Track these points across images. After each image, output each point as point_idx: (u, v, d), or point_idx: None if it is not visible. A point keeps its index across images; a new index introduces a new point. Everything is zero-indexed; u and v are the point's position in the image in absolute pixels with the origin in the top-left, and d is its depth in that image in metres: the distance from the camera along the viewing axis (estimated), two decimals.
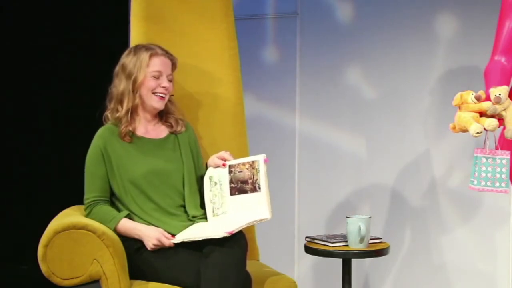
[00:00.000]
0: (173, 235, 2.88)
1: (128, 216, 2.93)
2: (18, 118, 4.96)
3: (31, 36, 4.90)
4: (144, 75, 2.99)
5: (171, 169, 3.02)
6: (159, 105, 3.04)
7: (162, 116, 3.11)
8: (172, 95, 3.10)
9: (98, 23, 4.80)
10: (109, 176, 2.97)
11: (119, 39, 4.34)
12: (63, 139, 4.91)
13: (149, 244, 2.84)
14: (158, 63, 3.01)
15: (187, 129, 3.13)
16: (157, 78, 3.01)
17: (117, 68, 3.05)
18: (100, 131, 3.03)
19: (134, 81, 3.00)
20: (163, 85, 3.01)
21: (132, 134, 3.03)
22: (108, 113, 3.05)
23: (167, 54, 3.05)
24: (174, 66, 3.08)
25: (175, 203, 3.00)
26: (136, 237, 2.88)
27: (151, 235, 2.84)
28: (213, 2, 3.46)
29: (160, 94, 3.01)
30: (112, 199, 3.00)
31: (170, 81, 3.05)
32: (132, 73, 3.00)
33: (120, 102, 3.02)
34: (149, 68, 3.00)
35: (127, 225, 2.90)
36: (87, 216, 2.94)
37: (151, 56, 3.01)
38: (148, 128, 3.08)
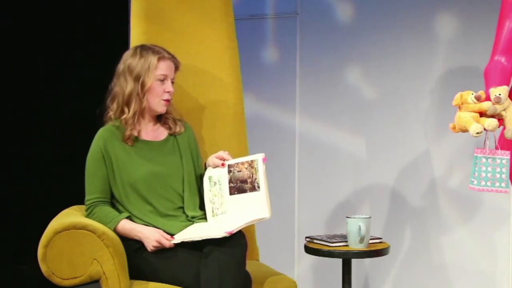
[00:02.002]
0: (173, 235, 2.88)
1: (129, 218, 2.93)
2: (18, 118, 4.96)
3: (30, 37, 4.89)
4: (152, 79, 2.99)
5: (171, 172, 3.02)
6: (163, 109, 3.05)
7: (160, 117, 3.11)
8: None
9: (98, 23, 4.80)
10: (109, 178, 2.97)
11: (119, 39, 4.34)
12: (63, 139, 4.91)
13: (149, 246, 2.84)
14: (165, 67, 3.01)
15: (186, 130, 3.13)
16: (162, 82, 3.01)
17: (122, 67, 3.03)
18: (100, 132, 3.03)
19: (143, 85, 2.99)
20: (167, 89, 3.01)
21: (133, 137, 3.02)
22: (112, 114, 3.04)
23: (172, 58, 3.05)
24: (177, 69, 3.08)
25: (174, 206, 3.00)
26: (136, 238, 2.88)
27: (151, 237, 2.84)
28: (213, 2, 3.46)
29: (166, 99, 3.02)
30: (112, 201, 2.99)
31: (173, 84, 3.05)
32: (140, 76, 2.99)
33: (127, 104, 3.01)
34: (157, 72, 2.99)
35: (126, 227, 2.90)
36: (88, 217, 2.94)
37: (159, 59, 3.00)
38: (148, 130, 3.07)
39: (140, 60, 3.00)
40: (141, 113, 3.03)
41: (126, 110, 3.01)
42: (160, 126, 3.10)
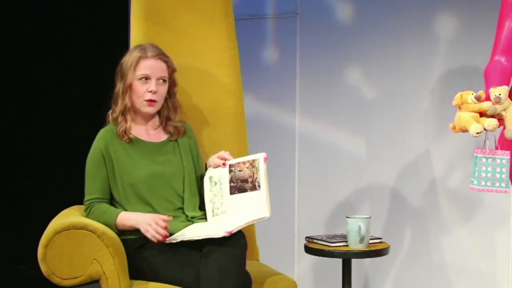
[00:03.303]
0: (172, 235, 2.88)
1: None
2: (19, 119, 4.96)
3: (30, 37, 4.90)
4: (132, 77, 2.97)
5: (171, 172, 3.01)
6: (148, 110, 3.01)
7: (162, 120, 3.10)
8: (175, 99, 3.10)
9: (98, 23, 4.80)
10: (109, 179, 2.97)
11: (119, 39, 4.34)
12: (64, 138, 4.91)
13: (144, 226, 2.80)
14: (145, 67, 2.97)
15: (187, 133, 3.13)
16: (145, 82, 2.98)
17: (118, 67, 3.05)
18: (101, 133, 3.03)
19: (125, 83, 2.99)
20: (150, 89, 2.97)
21: (133, 138, 3.01)
22: (109, 113, 3.05)
23: (159, 55, 3.00)
24: (170, 68, 3.05)
25: (174, 206, 2.99)
26: (134, 223, 2.85)
27: (146, 220, 2.81)
28: (213, 2, 3.46)
29: (149, 99, 2.99)
30: (112, 202, 2.99)
31: (165, 83, 3.02)
32: (124, 74, 2.99)
33: (115, 102, 3.02)
34: (136, 72, 2.98)
35: (125, 217, 2.88)
36: (87, 216, 2.94)
37: (139, 59, 2.97)
38: (149, 132, 3.07)
39: (127, 59, 3.00)
40: (128, 112, 3.01)
41: (115, 109, 3.02)
42: (162, 129, 3.10)
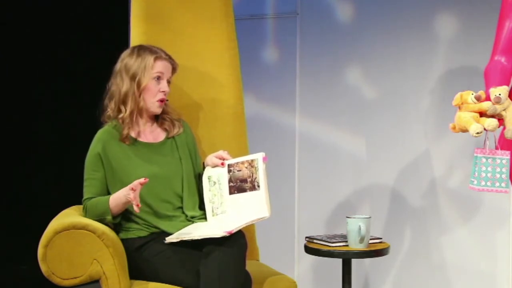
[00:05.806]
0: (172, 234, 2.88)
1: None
2: (18, 118, 4.96)
3: (30, 37, 4.90)
4: (148, 78, 2.99)
5: (170, 173, 3.02)
6: (159, 110, 3.05)
7: (157, 118, 3.11)
8: (167, 100, 3.10)
9: (98, 23, 4.80)
10: (108, 180, 2.97)
11: (119, 39, 4.34)
12: (63, 138, 4.91)
13: (127, 194, 2.80)
14: (161, 66, 3.01)
15: (184, 130, 3.13)
16: (158, 81, 3.00)
17: (119, 66, 3.04)
18: (99, 134, 3.02)
19: (139, 84, 2.99)
20: (162, 89, 3.01)
21: (131, 137, 3.02)
22: (110, 113, 3.04)
23: (169, 59, 3.05)
24: (174, 70, 3.08)
25: (174, 206, 3.00)
26: (124, 200, 2.84)
27: (127, 190, 2.80)
28: (213, 2, 3.46)
29: (160, 99, 3.01)
30: None
31: (168, 84, 3.05)
32: (136, 75, 2.99)
33: (124, 103, 3.01)
34: (153, 71, 3.00)
35: (115, 197, 2.88)
36: (84, 215, 2.94)
37: (156, 59, 3.00)
38: (146, 132, 3.07)
39: (137, 60, 3.01)
40: (139, 112, 3.03)
41: (123, 109, 3.01)
42: (158, 127, 3.10)
